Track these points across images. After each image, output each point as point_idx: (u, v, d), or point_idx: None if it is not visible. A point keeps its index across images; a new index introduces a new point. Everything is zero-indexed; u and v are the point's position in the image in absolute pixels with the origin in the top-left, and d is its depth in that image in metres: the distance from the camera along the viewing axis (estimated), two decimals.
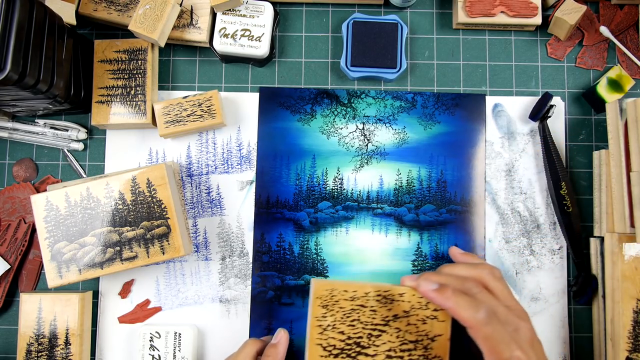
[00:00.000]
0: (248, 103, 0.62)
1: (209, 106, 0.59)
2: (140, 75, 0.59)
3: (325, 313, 0.51)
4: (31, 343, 0.55)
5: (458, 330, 0.49)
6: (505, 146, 0.62)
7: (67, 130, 0.61)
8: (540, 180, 0.61)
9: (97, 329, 0.59)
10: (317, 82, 0.63)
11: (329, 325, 0.50)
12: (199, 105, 0.59)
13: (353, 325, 0.51)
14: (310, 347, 0.50)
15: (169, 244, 0.53)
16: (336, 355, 0.50)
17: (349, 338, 0.50)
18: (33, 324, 0.56)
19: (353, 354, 0.50)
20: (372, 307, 0.51)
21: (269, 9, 0.61)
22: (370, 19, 0.61)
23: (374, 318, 0.51)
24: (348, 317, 0.51)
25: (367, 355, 0.50)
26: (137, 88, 0.59)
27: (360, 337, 0.50)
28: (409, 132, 0.62)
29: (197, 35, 0.60)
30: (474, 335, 0.46)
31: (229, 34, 0.60)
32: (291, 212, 0.60)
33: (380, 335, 0.50)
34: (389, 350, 0.50)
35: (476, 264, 0.52)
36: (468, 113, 0.62)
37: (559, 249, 0.60)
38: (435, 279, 0.49)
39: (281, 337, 0.53)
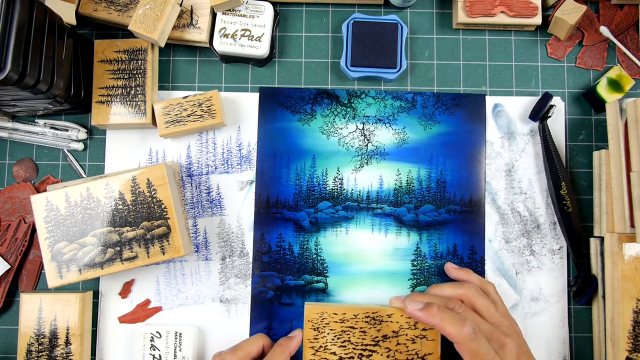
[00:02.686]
0: (248, 103, 0.62)
1: (209, 106, 0.59)
2: (140, 75, 0.59)
3: (317, 335, 0.53)
4: (31, 343, 0.56)
5: (451, 350, 0.50)
6: (505, 146, 0.62)
7: (67, 130, 0.61)
8: (540, 180, 0.61)
9: (97, 329, 0.59)
10: (317, 82, 0.63)
11: (320, 347, 0.53)
12: (199, 105, 0.59)
13: (344, 346, 0.53)
14: None
15: (169, 244, 0.53)
16: None
17: (341, 359, 0.53)
18: (33, 324, 0.56)
19: None
20: (361, 328, 0.53)
21: (269, 9, 0.61)
22: (370, 19, 0.61)
23: (364, 339, 0.53)
24: (339, 338, 0.53)
25: None
26: (137, 88, 0.59)
27: (352, 358, 0.53)
28: (409, 132, 0.62)
29: (197, 35, 0.60)
30: (461, 351, 0.47)
31: (229, 34, 0.60)
32: (291, 212, 0.60)
33: (370, 355, 0.53)
34: None
35: (462, 283, 0.54)
36: (468, 113, 0.62)
37: (559, 249, 0.60)
38: (420, 299, 0.51)
39: (297, 334, 0.56)
